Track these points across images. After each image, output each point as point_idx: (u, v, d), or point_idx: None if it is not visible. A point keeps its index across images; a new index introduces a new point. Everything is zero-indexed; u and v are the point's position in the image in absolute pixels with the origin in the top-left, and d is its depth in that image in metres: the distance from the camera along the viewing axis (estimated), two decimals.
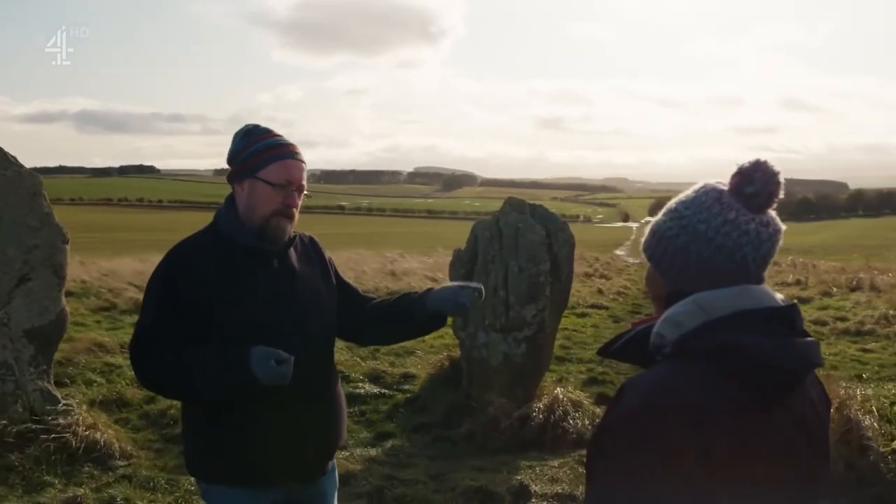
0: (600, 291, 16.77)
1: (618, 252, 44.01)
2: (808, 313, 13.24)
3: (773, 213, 1.31)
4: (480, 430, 5.81)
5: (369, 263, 19.91)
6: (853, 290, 16.42)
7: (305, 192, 2.26)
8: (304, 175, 2.24)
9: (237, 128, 2.28)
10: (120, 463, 5.07)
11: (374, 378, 7.56)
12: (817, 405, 1.33)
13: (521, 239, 6.24)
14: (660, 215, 1.37)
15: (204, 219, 2.54)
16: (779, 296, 1.29)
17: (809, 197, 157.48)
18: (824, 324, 12.06)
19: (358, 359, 8.09)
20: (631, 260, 34.04)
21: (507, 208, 6.59)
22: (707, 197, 1.31)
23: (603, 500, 1.19)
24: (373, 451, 5.63)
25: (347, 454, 5.35)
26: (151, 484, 4.67)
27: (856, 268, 23.48)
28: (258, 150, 2.18)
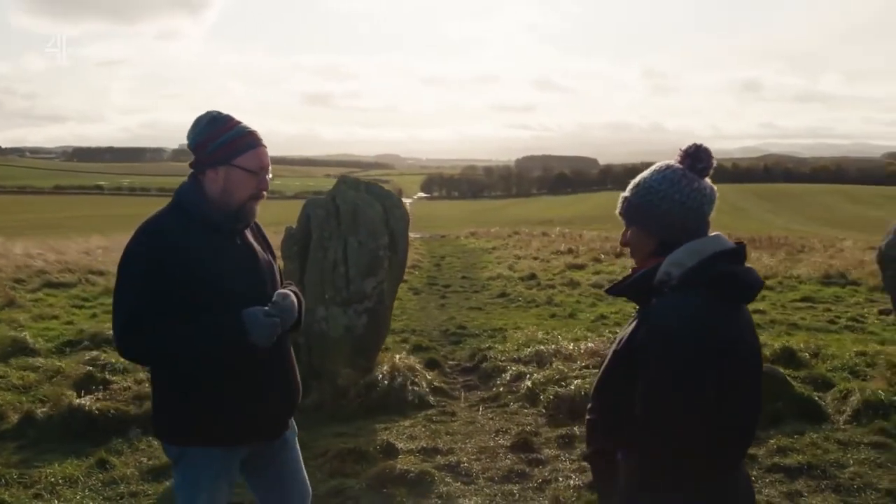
0: None
1: None
2: (585, 278, 14.75)
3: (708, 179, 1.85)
4: (329, 399, 6.08)
5: None
6: (618, 256, 18.40)
7: (269, 174, 2.45)
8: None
9: None
10: None
11: None
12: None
13: (359, 215, 6.52)
14: (630, 190, 1.86)
15: None
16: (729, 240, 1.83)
17: (565, 172, 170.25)
18: (600, 286, 13.49)
19: None
20: (413, 235, 35.29)
21: (342, 187, 6.82)
22: (675, 174, 1.82)
23: (661, 381, 1.67)
24: None
25: None
26: (3, 481, 4.44)
27: (617, 236, 26.18)
28: (230, 138, 2.36)
